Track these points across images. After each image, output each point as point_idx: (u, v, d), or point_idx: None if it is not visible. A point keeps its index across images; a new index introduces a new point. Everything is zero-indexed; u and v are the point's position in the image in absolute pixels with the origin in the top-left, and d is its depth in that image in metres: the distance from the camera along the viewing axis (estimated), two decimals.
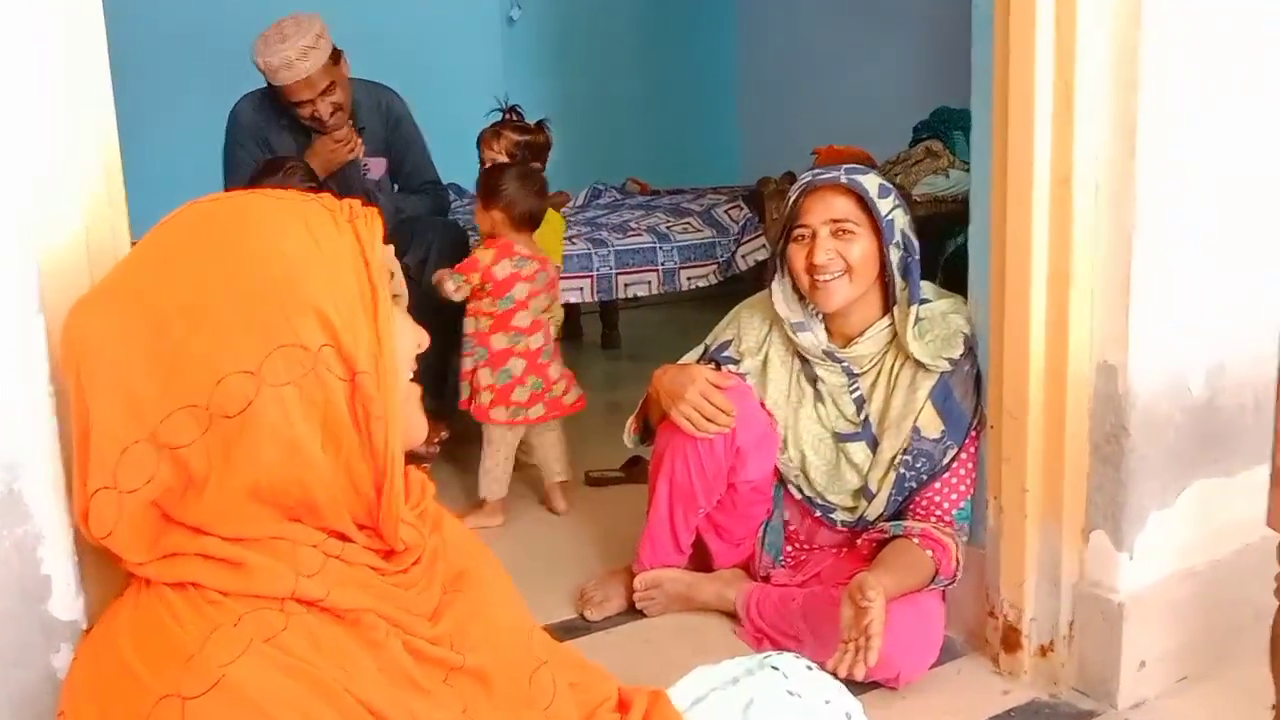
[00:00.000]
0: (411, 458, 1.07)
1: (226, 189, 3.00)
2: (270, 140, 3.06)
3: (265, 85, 3.00)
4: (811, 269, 1.95)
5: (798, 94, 5.49)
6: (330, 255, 0.88)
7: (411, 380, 0.99)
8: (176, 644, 0.82)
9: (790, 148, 4.67)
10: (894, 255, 1.95)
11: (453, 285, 2.62)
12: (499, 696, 1.01)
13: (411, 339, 0.97)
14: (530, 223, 2.73)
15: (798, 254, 1.98)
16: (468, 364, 2.72)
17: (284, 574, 0.86)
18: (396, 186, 3.32)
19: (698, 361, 2.14)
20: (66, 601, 1.00)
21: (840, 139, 4.43)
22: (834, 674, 1.59)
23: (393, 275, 0.95)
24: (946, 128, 4.34)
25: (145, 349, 0.84)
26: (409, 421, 0.97)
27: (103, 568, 1.00)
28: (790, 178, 4.00)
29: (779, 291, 2.05)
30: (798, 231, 1.98)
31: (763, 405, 2.07)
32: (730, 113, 5.94)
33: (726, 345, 2.13)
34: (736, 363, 2.10)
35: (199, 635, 0.82)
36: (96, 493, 0.86)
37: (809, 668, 1.36)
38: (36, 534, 0.98)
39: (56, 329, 0.97)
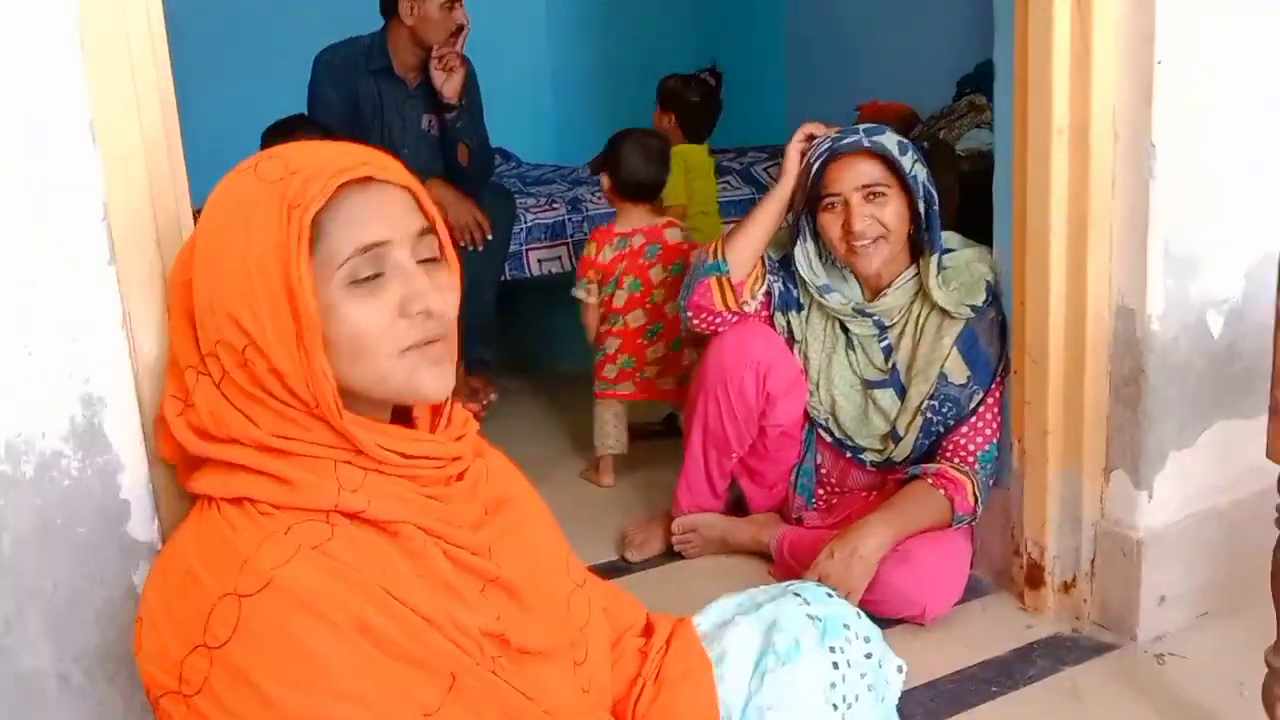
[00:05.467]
0: None
1: None
2: (355, 85, 3.20)
3: (341, 42, 3.22)
4: (849, 236, 1.99)
5: (844, 50, 5.47)
6: (258, 256, 0.94)
7: (419, 345, 0.99)
8: (234, 550, 0.93)
9: (836, 104, 4.67)
10: (921, 209, 2.00)
11: (582, 293, 2.69)
12: (533, 611, 1.09)
13: (422, 301, 0.97)
14: (638, 194, 2.67)
15: (832, 223, 2.02)
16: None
17: (328, 489, 0.96)
18: None
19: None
20: (143, 524, 1.12)
21: (885, 94, 4.43)
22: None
23: (424, 233, 1.01)
24: (990, 82, 4.31)
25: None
26: (412, 381, 0.99)
27: (173, 494, 1.12)
28: None
29: (802, 258, 2.11)
30: (828, 200, 2.01)
31: (801, 350, 2.14)
32: (778, 72, 5.93)
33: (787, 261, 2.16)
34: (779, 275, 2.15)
35: (253, 542, 0.92)
36: (185, 369, 1.02)
37: (829, 594, 1.44)
38: (116, 463, 1.09)
39: (126, 277, 1.08)
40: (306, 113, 3.22)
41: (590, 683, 1.16)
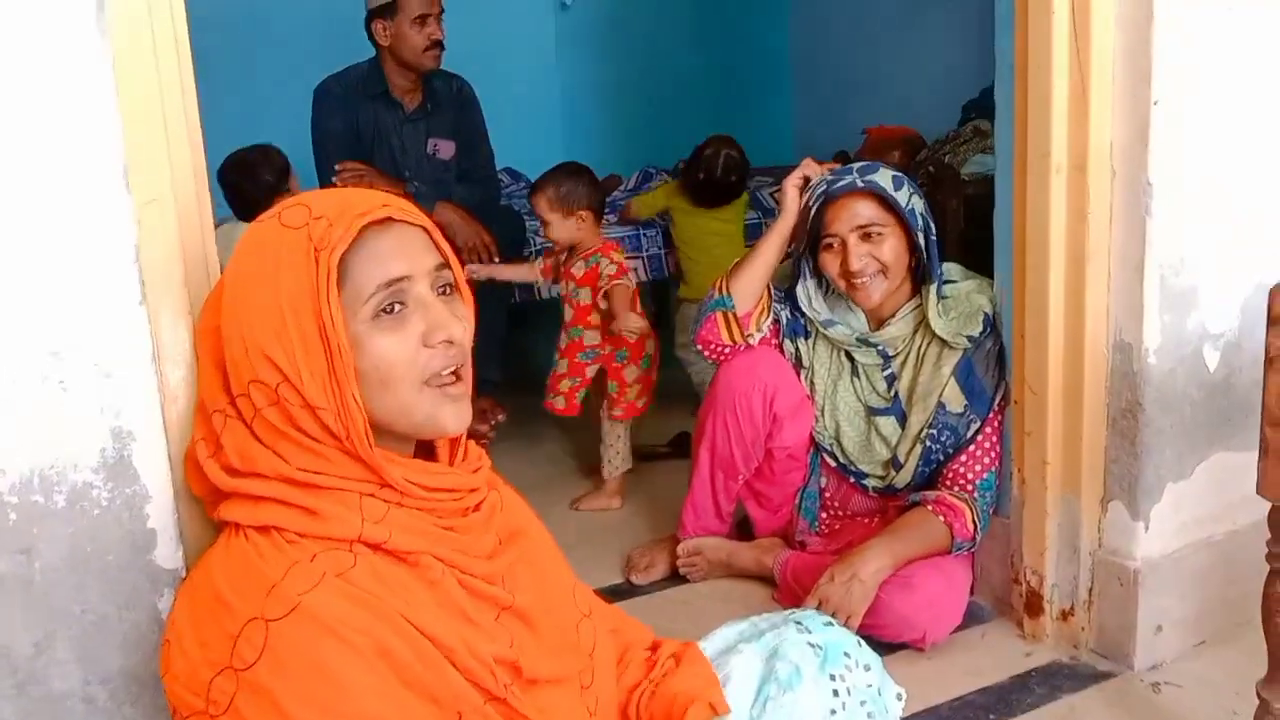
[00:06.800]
0: (471, 433, 1.21)
1: (317, 159, 3.21)
2: (356, 112, 3.26)
3: (340, 71, 3.26)
4: (848, 274, 2.05)
5: (850, 73, 5.53)
6: (289, 297, 0.99)
7: (442, 379, 1.05)
8: (261, 576, 0.97)
9: (843, 126, 4.73)
10: (920, 241, 2.05)
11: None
12: (544, 638, 1.14)
13: (444, 330, 1.03)
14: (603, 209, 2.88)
15: (831, 262, 2.07)
16: (590, 372, 2.82)
17: (352, 520, 1.01)
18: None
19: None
20: (169, 552, 1.16)
21: (891, 118, 4.49)
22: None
23: (440, 268, 1.07)
24: (995, 108, 4.36)
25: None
26: (434, 414, 1.05)
27: (198, 524, 1.16)
28: (843, 157, 4.07)
29: (804, 295, 2.17)
30: (826, 241, 2.07)
31: (808, 377, 2.19)
32: (784, 94, 5.98)
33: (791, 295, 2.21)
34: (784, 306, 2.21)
35: (280, 569, 0.97)
36: (213, 413, 1.06)
37: (828, 623, 1.48)
38: (144, 494, 1.14)
39: (155, 317, 1.13)
40: (312, 143, 3.28)
41: (597, 703, 1.21)
